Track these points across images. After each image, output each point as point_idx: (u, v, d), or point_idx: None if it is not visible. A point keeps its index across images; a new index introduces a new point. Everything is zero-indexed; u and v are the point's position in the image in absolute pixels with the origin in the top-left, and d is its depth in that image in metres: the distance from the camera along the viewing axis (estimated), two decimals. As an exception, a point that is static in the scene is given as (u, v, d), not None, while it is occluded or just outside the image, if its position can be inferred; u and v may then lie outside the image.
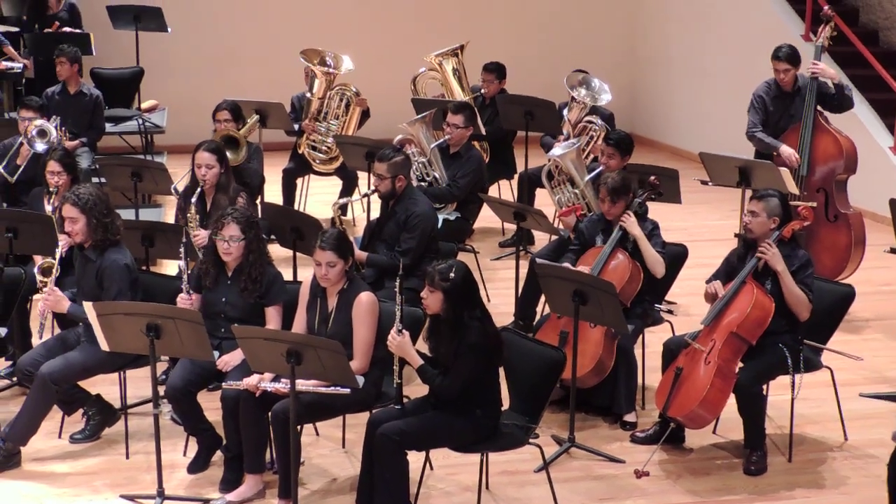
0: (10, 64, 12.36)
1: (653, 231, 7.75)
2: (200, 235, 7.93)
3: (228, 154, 8.67)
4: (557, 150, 9.49)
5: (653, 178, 8.03)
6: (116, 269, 6.97)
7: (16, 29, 13.31)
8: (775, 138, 9.48)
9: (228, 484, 6.66)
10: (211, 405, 6.94)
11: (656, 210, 8.27)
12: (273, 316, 6.91)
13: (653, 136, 15.82)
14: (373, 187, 8.40)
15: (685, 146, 14.82)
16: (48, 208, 8.18)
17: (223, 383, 6.50)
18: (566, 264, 7.80)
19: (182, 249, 7.02)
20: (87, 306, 6.27)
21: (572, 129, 10.22)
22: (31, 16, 13.12)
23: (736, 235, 8.77)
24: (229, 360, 6.73)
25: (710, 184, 9.35)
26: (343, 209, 8.72)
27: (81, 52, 11.43)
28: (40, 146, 8.93)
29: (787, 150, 9.34)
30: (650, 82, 16.00)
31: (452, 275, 6.09)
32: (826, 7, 9.82)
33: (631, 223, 7.65)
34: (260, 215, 9.02)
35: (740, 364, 7.02)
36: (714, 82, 14.57)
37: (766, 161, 9.20)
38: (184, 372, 6.74)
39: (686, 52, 15.17)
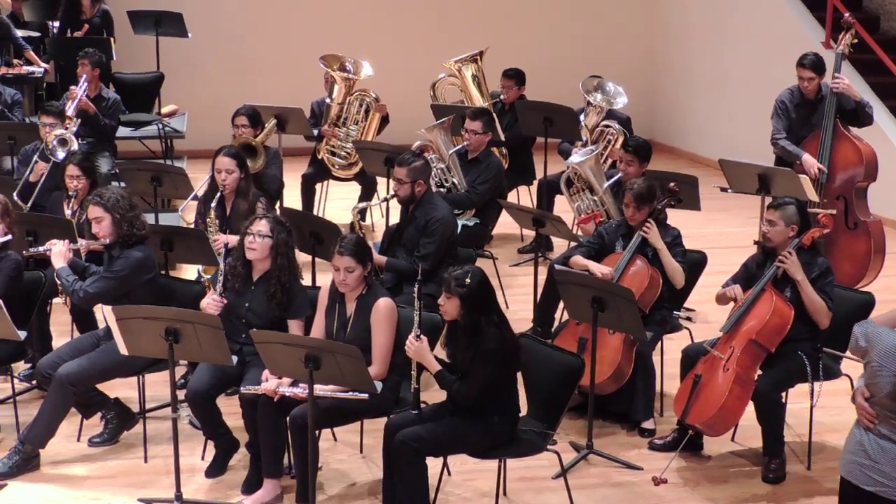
0: (31, 68, 12.42)
1: (675, 240, 7.73)
2: (220, 240, 7.94)
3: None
4: (576, 157, 9.49)
5: (672, 184, 8.02)
6: (128, 258, 7.03)
7: (37, 33, 13.38)
8: (795, 146, 9.46)
9: (251, 485, 6.69)
10: (229, 409, 6.95)
11: (675, 217, 8.25)
12: (295, 329, 6.88)
13: (672, 142, 15.80)
14: (392, 192, 8.41)
15: (704, 153, 14.79)
16: (67, 212, 8.21)
17: (242, 387, 6.51)
18: (577, 257, 7.79)
19: (224, 250, 7.03)
20: (107, 310, 6.29)
21: (589, 134, 10.22)
22: (65, 19, 13.18)
23: (755, 243, 8.73)
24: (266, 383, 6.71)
25: (729, 191, 9.34)
26: (362, 213, 8.73)
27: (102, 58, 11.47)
28: (61, 154, 8.94)
29: (810, 161, 9.30)
30: (669, 89, 15.98)
31: (468, 280, 6.08)
32: (846, 14, 9.79)
33: (653, 234, 7.63)
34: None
35: (759, 371, 7.00)
36: (733, 89, 14.54)
37: (786, 168, 9.18)
38: (205, 376, 6.76)
39: (705, 59, 15.15)
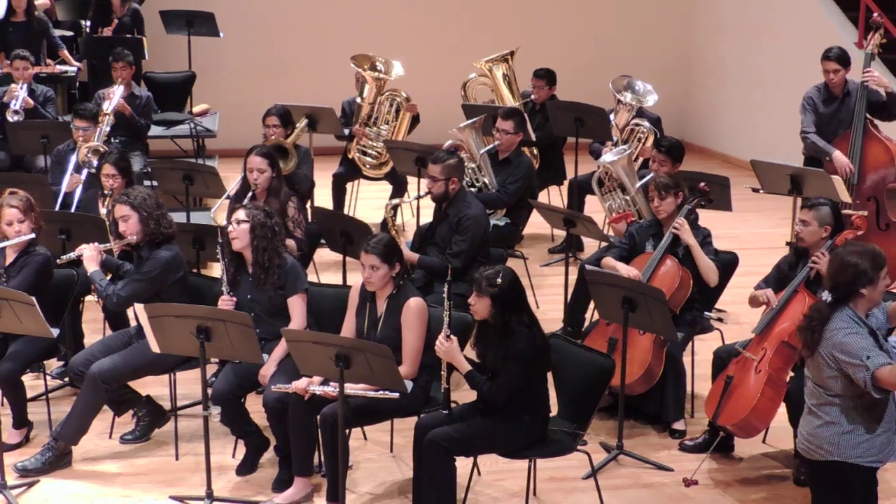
0: (64, 67, 12.48)
1: (705, 240, 7.71)
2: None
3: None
4: (609, 156, 9.47)
5: (703, 184, 8.00)
6: (157, 259, 7.05)
7: (70, 33, 13.45)
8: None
9: (282, 483, 6.71)
10: (258, 408, 6.97)
11: (707, 217, 8.23)
12: (295, 306, 6.92)
13: (704, 143, 15.74)
14: (425, 189, 8.41)
15: (736, 154, 14.72)
16: (103, 211, 8.24)
17: (272, 386, 6.52)
18: (608, 258, 7.78)
19: (219, 250, 7.06)
20: (139, 308, 6.32)
21: (620, 133, 10.20)
22: (96, 19, 13.25)
23: (787, 244, 8.70)
24: (265, 373, 6.76)
25: (761, 191, 9.30)
26: (395, 210, 8.73)
27: (135, 57, 11.52)
28: (95, 163, 8.97)
29: (841, 159, 9.26)
30: (701, 89, 15.92)
31: (499, 280, 6.08)
32: (875, 14, 9.75)
33: (685, 231, 7.61)
34: (310, 220, 9.05)
35: (791, 373, 6.97)
36: (766, 89, 14.48)
37: (818, 169, 9.13)
38: (228, 378, 6.80)
39: (738, 60, 15.09)
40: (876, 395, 5.30)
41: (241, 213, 6.95)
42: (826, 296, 5.48)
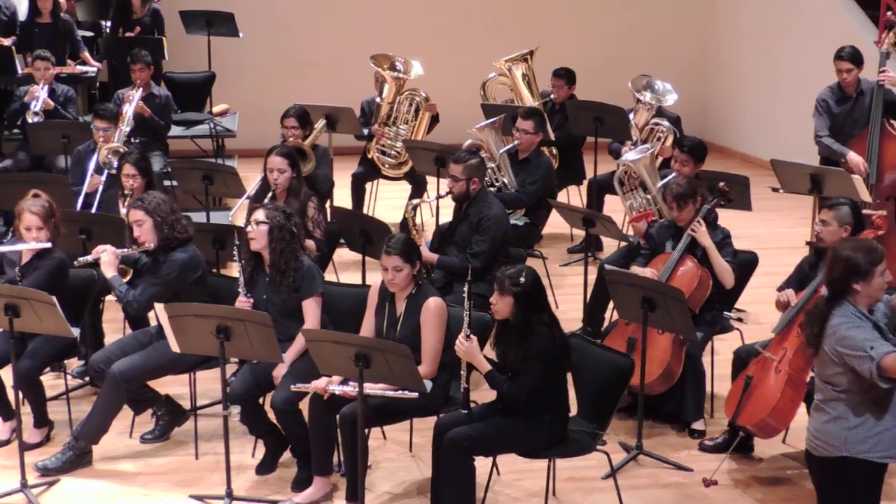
0: (84, 68, 12.52)
1: (724, 241, 7.69)
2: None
3: (297, 163, 8.72)
4: (631, 155, 9.46)
5: (722, 184, 7.98)
6: (174, 261, 7.08)
7: (90, 33, 13.49)
8: (839, 143, 9.39)
9: (301, 483, 6.73)
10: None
11: (727, 217, 8.21)
12: (310, 309, 6.93)
13: (723, 142, 15.70)
14: (446, 189, 8.42)
15: (756, 153, 14.69)
16: (123, 211, 8.26)
17: (291, 385, 6.53)
18: (634, 267, 7.77)
19: (235, 251, 7.07)
20: (159, 308, 6.34)
21: (639, 133, 10.19)
22: (116, 19, 13.29)
23: (807, 243, 8.68)
24: (277, 374, 6.77)
25: (781, 191, 9.27)
26: (415, 210, 8.74)
27: (154, 57, 11.54)
28: (116, 163, 9.00)
29: (855, 158, 9.24)
30: (721, 89, 15.88)
31: (522, 279, 6.08)
32: (888, 13, 9.71)
33: (701, 233, 7.59)
34: (329, 219, 9.06)
35: (812, 373, 6.94)
36: (785, 89, 14.43)
37: (838, 168, 9.10)
38: (246, 378, 6.82)
39: (757, 59, 15.04)
40: (884, 385, 5.27)
41: (260, 214, 6.96)
42: (824, 291, 5.46)
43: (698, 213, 7.68)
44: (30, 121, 10.65)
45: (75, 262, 7.29)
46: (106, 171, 9.14)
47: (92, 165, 9.28)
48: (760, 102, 15.02)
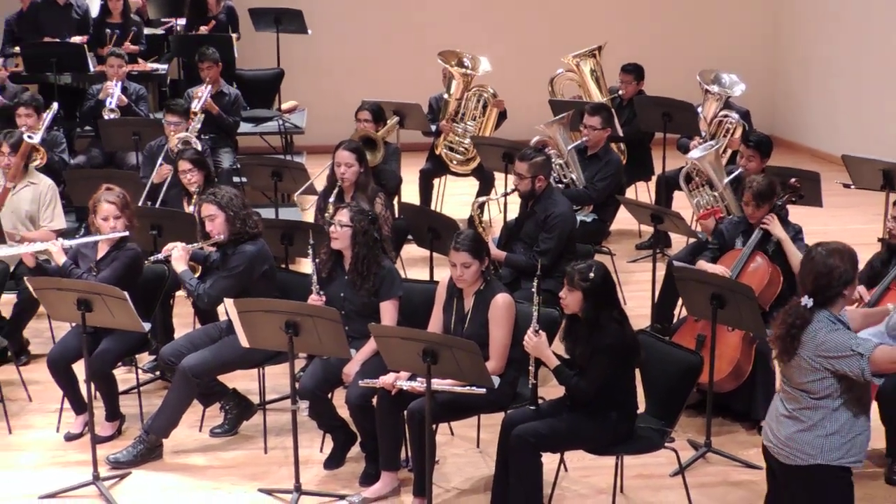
0: (155, 66, 12.65)
1: (795, 237, 7.61)
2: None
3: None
4: (696, 152, 9.40)
5: (793, 180, 7.91)
6: (243, 254, 7.12)
7: (161, 31, 13.63)
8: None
9: (369, 478, 6.76)
10: (344, 403, 7.00)
11: (797, 213, 8.13)
12: (387, 311, 6.95)
13: (792, 137, 15.57)
14: (512, 186, 8.41)
15: (825, 148, 14.55)
16: (189, 209, 8.33)
17: (360, 381, 6.55)
18: (701, 261, 7.72)
19: (310, 251, 7.10)
20: (229, 303, 6.38)
21: (708, 126, 10.12)
22: (192, 16, 13.43)
23: (879, 240, 8.58)
24: (349, 372, 6.79)
25: (852, 187, 9.17)
26: (482, 208, 8.75)
27: (224, 55, 11.64)
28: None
29: None
30: (790, 83, 15.74)
31: (592, 275, 6.06)
32: None
33: (775, 225, 7.53)
34: (397, 216, 9.07)
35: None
36: (855, 84, 14.27)
37: (911, 164, 9.00)
38: (315, 374, 6.85)
39: (827, 53, 14.89)
40: (876, 382, 5.17)
41: (344, 216, 6.95)
42: (806, 300, 5.30)
43: (770, 210, 7.61)
44: (105, 117, 10.79)
45: (146, 261, 7.36)
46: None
47: (161, 157, 9.36)
48: (830, 96, 14.86)
